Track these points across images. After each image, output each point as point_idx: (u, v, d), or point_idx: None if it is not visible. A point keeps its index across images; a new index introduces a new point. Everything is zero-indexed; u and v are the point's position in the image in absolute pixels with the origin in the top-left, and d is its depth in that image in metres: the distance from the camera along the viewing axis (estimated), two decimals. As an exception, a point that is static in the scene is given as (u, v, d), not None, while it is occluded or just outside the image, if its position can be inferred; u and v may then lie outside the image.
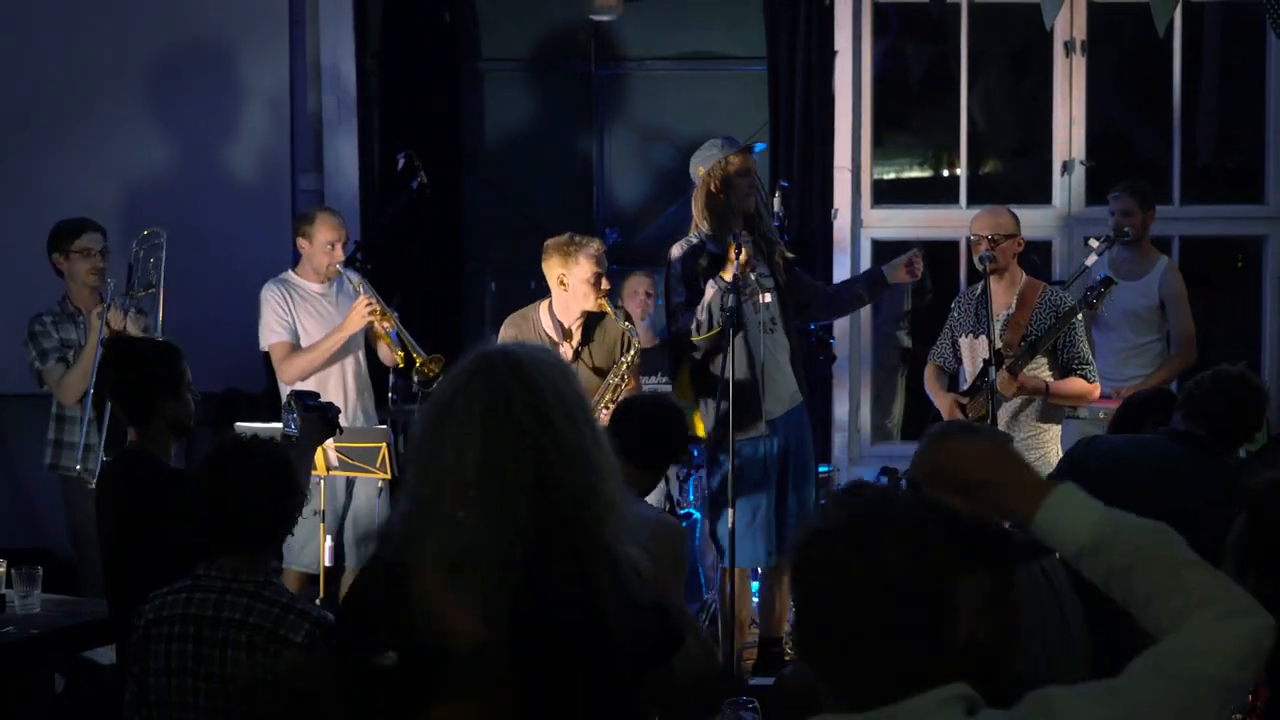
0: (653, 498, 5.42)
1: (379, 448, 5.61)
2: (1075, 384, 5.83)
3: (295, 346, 6.05)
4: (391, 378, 6.66)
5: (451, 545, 2.31)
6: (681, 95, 8.10)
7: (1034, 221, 7.18)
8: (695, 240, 5.77)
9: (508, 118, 8.15)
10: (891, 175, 8.23)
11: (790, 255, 6.00)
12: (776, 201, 6.36)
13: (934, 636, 1.85)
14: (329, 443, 5.12)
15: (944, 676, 1.86)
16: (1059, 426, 5.93)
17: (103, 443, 5.87)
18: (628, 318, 5.90)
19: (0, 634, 4.29)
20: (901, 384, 8.06)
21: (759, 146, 6.07)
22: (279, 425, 5.53)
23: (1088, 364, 5.85)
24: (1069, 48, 7.45)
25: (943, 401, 6.03)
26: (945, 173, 8.27)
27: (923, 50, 8.30)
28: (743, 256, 5.52)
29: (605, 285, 5.70)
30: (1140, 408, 4.71)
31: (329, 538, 5.71)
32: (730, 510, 5.72)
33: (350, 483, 6.03)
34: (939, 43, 8.00)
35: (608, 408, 5.43)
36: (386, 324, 6.00)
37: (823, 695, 1.92)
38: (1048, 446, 5.79)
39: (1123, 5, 7.38)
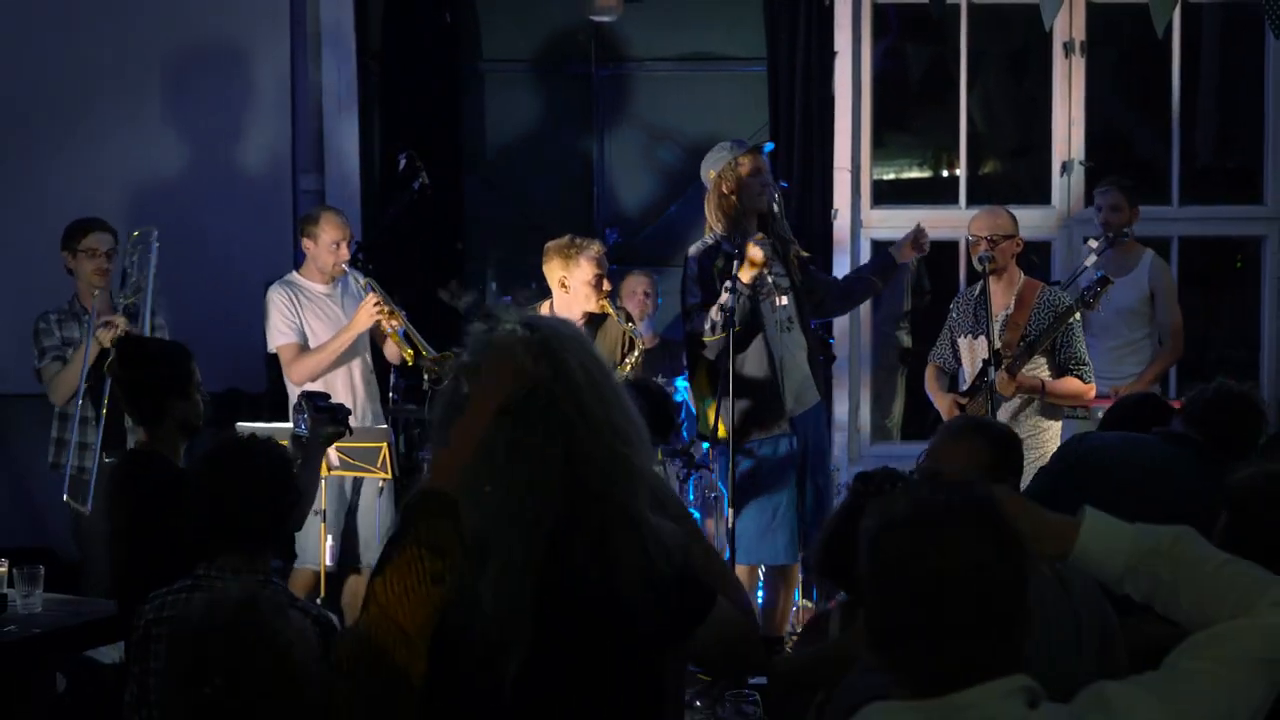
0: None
1: (379, 448, 5.62)
2: (1071, 384, 5.85)
3: (303, 348, 6.06)
4: (392, 377, 6.67)
5: (479, 521, 2.32)
6: (682, 96, 8.11)
7: (1033, 222, 7.19)
8: (711, 241, 5.79)
9: (508, 118, 8.15)
10: (891, 176, 8.25)
11: (805, 254, 6.04)
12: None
13: (1007, 626, 1.87)
14: (332, 442, 5.13)
15: (1009, 667, 1.87)
16: (1059, 424, 5.95)
17: (99, 442, 5.89)
18: (629, 318, 5.91)
19: (2, 633, 4.28)
20: (901, 384, 8.07)
21: (768, 146, 6.08)
22: (280, 425, 5.56)
23: (1084, 364, 5.87)
24: (1068, 48, 7.46)
25: (942, 402, 6.05)
26: (945, 173, 8.28)
27: (922, 51, 8.31)
28: (758, 257, 5.55)
29: (606, 287, 5.72)
30: (1134, 408, 4.72)
31: (330, 537, 5.72)
32: (730, 510, 5.75)
33: (358, 482, 6.04)
34: (938, 43, 8.01)
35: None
36: (395, 322, 6.01)
37: (887, 681, 1.93)
38: (1048, 445, 5.80)
39: (1122, 6, 7.38)
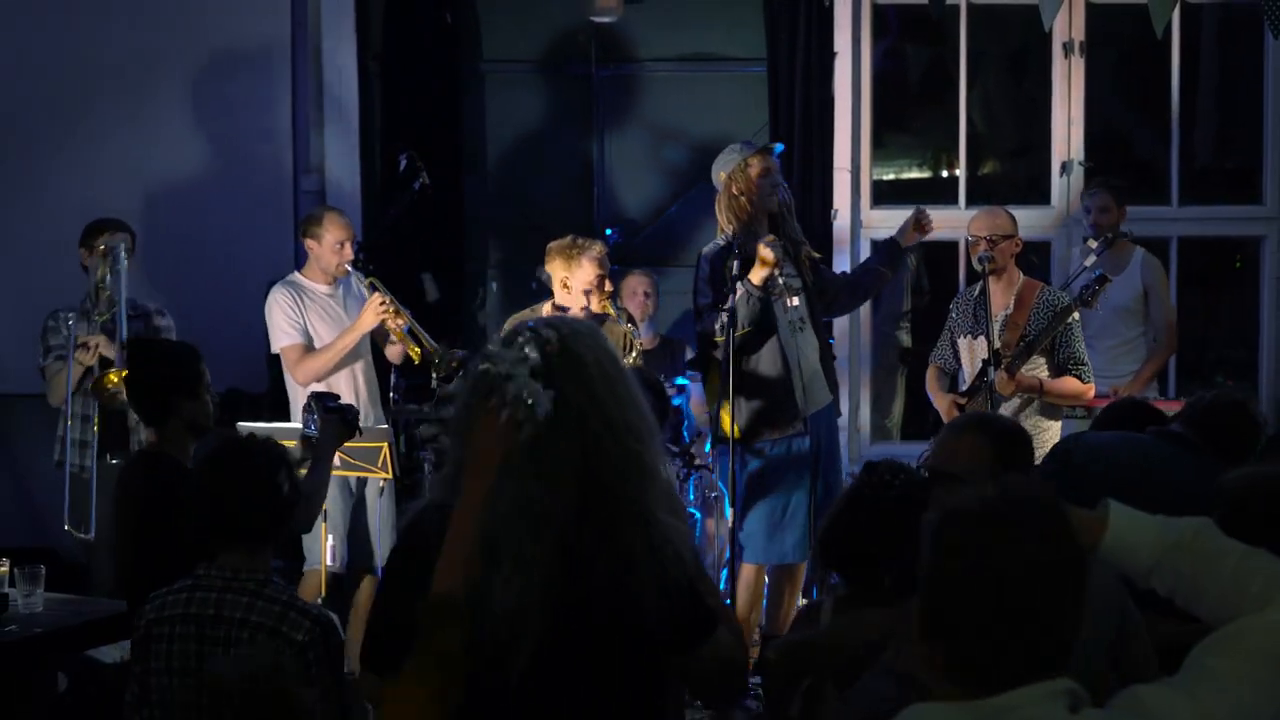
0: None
1: (380, 447, 5.63)
2: (1070, 384, 5.87)
3: (308, 348, 6.06)
4: (393, 378, 6.68)
5: (492, 516, 2.34)
6: (682, 96, 8.12)
7: (1032, 222, 7.20)
8: (723, 242, 5.81)
9: (509, 118, 8.16)
10: (891, 176, 8.26)
11: (816, 255, 6.07)
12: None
13: (1060, 625, 1.87)
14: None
15: (1057, 667, 1.88)
16: (1059, 424, 5.96)
17: (95, 442, 5.92)
18: (630, 319, 5.93)
19: (3, 633, 4.29)
20: (901, 384, 8.08)
21: (779, 148, 6.10)
22: (280, 425, 5.58)
23: (1083, 364, 5.88)
24: (1067, 49, 7.46)
25: (941, 403, 6.07)
26: (944, 173, 8.30)
27: (922, 51, 8.33)
28: (769, 257, 5.58)
29: (608, 288, 5.74)
30: (1122, 413, 4.73)
31: (331, 537, 5.73)
32: (731, 509, 5.77)
33: (361, 482, 6.05)
34: (938, 44, 8.02)
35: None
36: (400, 321, 6.03)
37: (933, 676, 1.92)
38: (1048, 444, 5.79)
39: (1121, 6, 7.39)
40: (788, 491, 5.77)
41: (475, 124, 8.13)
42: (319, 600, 5.48)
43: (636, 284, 7.17)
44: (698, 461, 6.67)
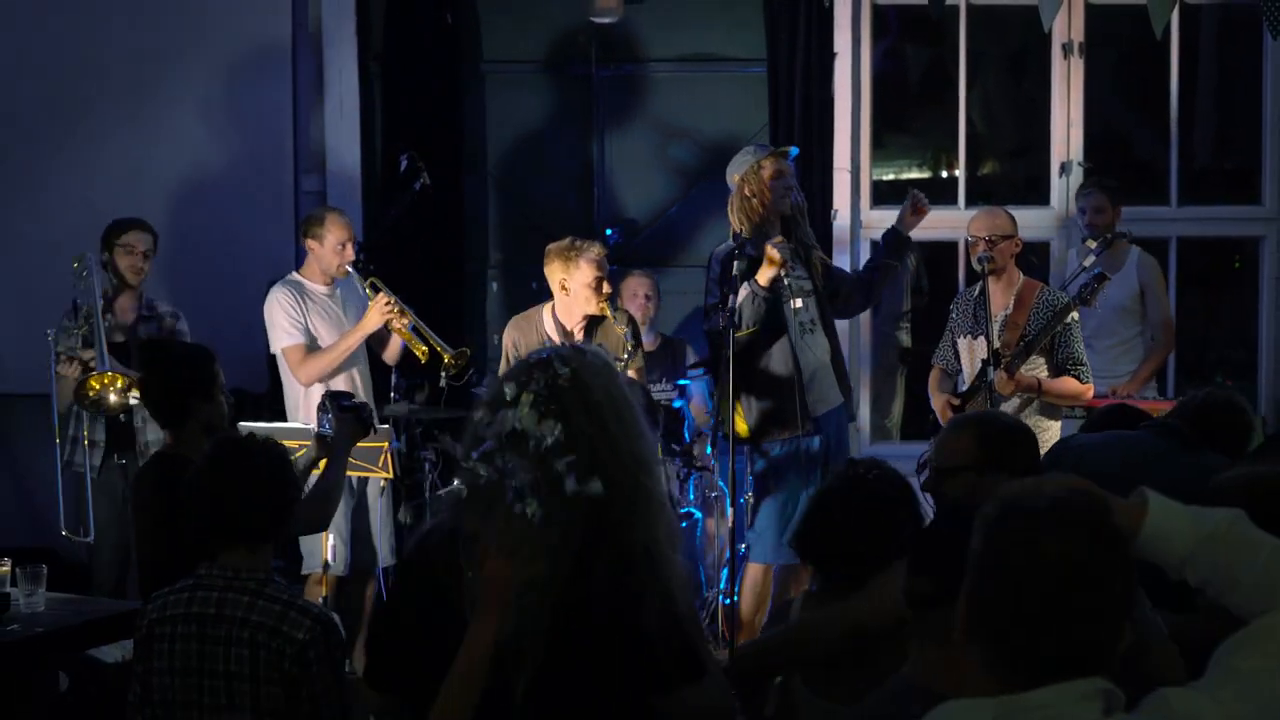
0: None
1: (380, 447, 5.64)
2: (1068, 384, 5.88)
3: (310, 348, 6.07)
4: (393, 378, 6.69)
5: (508, 534, 2.38)
6: (682, 97, 8.12)
7: (1032, 222, 7.20)
8: (735, 243, 5.83)
9: (509, 119, 8.17)
10: (890, 176, 8.27)
11: (827, 259, 6.11)
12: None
13: (1108, 624, 1.88)
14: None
15: (1098, 666, 1.88)
16: (1059, 423, 5.97)
17: (104, 442, 5.93)
18: (630, 320, 5.94)
19: (5, 632, 4.30)
20: (900, 384, 8.09)
21: (793, 151, 6.11)
22: (281, 425, 5.59)
23: (1081, 365, 5.89)
24: (1067, 49, 7.47)
25: (937, 402, 6.10)
26: (944, 174, 8.31)
27: (922, 52, 8.34)
28: (776, 256, 5.61)
29: (607, 289, 5.75)
30: (1116, 414, 4.74)
31: (333, 538, 5.74)
32: (731, 509, 5.78)
33: (363, 482, 6.06)
34: (938, 44, 8.03)
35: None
36: (405, 320, 6.04)
37: (965, 678, 1.93)
38: (1049, 444, 5.79)
39: (1120, 7, 7.39)
40: (796, 491, 5.78)
41: (476, 124, 8.13)
42: (322, 602, 5.50)
43: (637, 286, 7.16)
44: (698, 462, 6.67)
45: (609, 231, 7.62)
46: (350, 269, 6.15)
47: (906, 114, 8.35)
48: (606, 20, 7.61)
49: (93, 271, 5.85)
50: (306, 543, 5.89)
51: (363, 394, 6.13)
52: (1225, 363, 8.09)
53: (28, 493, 7.24)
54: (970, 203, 7.48)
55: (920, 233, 6.44)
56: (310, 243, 6.19)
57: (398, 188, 6.92)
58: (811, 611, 3.10)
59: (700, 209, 7.94)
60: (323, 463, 4.52)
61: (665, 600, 2.43)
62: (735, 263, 5.67)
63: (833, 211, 7.46)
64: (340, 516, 5.88)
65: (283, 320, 6.06)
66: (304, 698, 3.30)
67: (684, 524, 6.58)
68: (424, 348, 6.06)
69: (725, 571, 6.03)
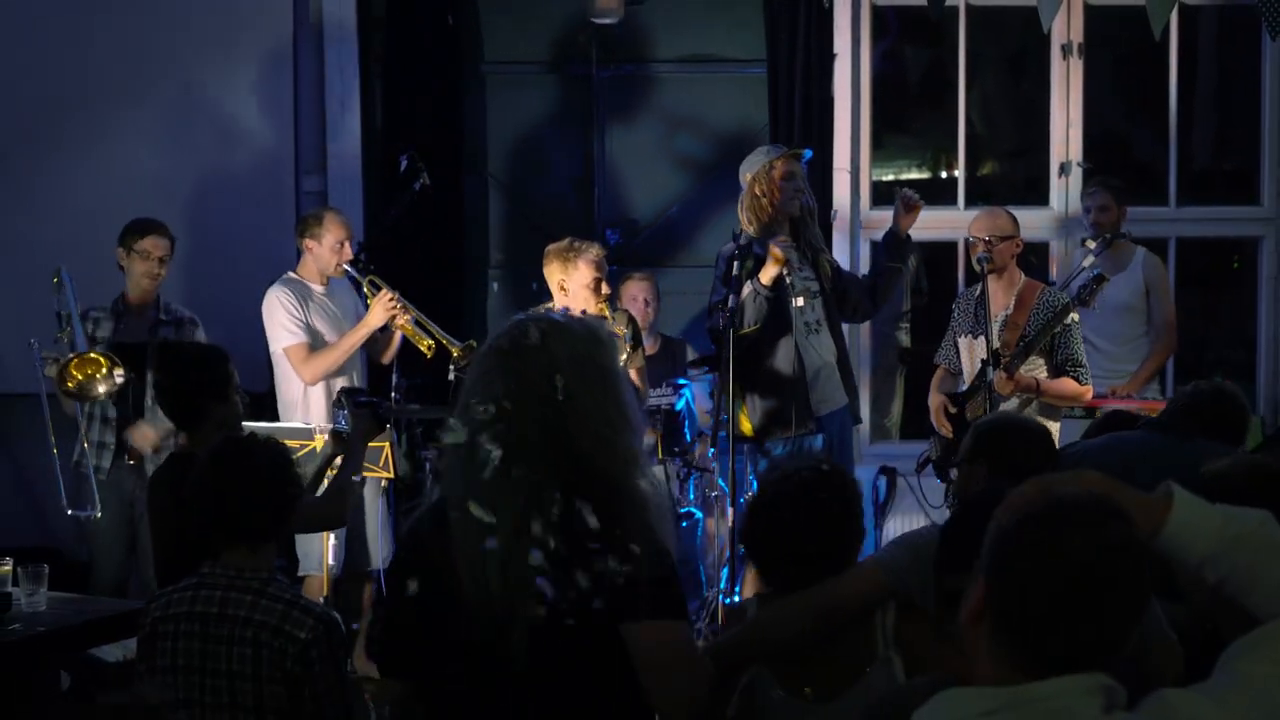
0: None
1: (382, 447, 5.65)
2: (1067, 384, 5.88)
3: (311, 347, 6.07)
4: (394, 377, 6.70)
5: (487, 493, 2.50)
6: (682, 97, 8.13)
7: (1031, 223, 7.21)
8: (743, 242, 5.85)
9: (509, 119, 8.18)
10: (890, 177, 8.27)
11: (835, 262, 6.12)
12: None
13: (1117, 624, 1.87)
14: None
15: (1100, 664, 1.88)
16: (1059, 424, 5.97)
17: (114, 443, 5.93)
18: (630, 320, 5.94)
19: (6, 632, 4.31)
20: (900, 384, 8.10)
21: (807, 154, 6.12)
22: (281, 425, 5.60)
23: (1080, 366, 5.90)
24: (1066, 50, 7.48)
25: (933, 401, 6.11)
26: (943, 174, 8.31)
27: (921, 53, 8.34)
28: (779, 255, 5.62)
29: (605, 290, 5.76)
30: (1114, 422, 4.75)
31: (332, 538, 5.74)
32: (732, 509, 5.78)
33: (362, 482, 6.06)
34: (937, 45, 8.04)
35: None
36: (408, 316, 6.05)
37: (978, 662, 1.93)
38: (1049, 444, 5.84)
39: (1120, 8, 7.41)
40: None
41: (476, 125, 8.14)
42: (322, 601, 5.50)
43: (637, 289, 7.16)
44: (698, 463, 6.68)
45: (609, 232, 7.63)
46: (349, 268, 6.16)
47: (906, 114, 8.35)
48: (607, 21, 7.62)
49: (68, 286, 5.82)
50: (302, 544, 5.89)
51: (361, 395, 6.14)
52: (1224, 363, 8.09)
53: (29, 492, 7.24)
54: (970, 203, 7.49)
55: (920, 233, 6.44)
56: (308, 242, 6.20)
57: (398, 188, 6.93)
58: (764, 608, 3.08)
59: (701, 209, 7.95)
60: (338, 459, 4.54)
61: (645, 533, 2.51)
62: (736, 262, 5.68)
63: (832, 212, 7.46)
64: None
65: (284, 319, 6.06)
66: (306, 697, 3.31)
67: (684, 524, 6.59)
68: (429, 342, 6.07)
69: (725, 571, 6.03)
